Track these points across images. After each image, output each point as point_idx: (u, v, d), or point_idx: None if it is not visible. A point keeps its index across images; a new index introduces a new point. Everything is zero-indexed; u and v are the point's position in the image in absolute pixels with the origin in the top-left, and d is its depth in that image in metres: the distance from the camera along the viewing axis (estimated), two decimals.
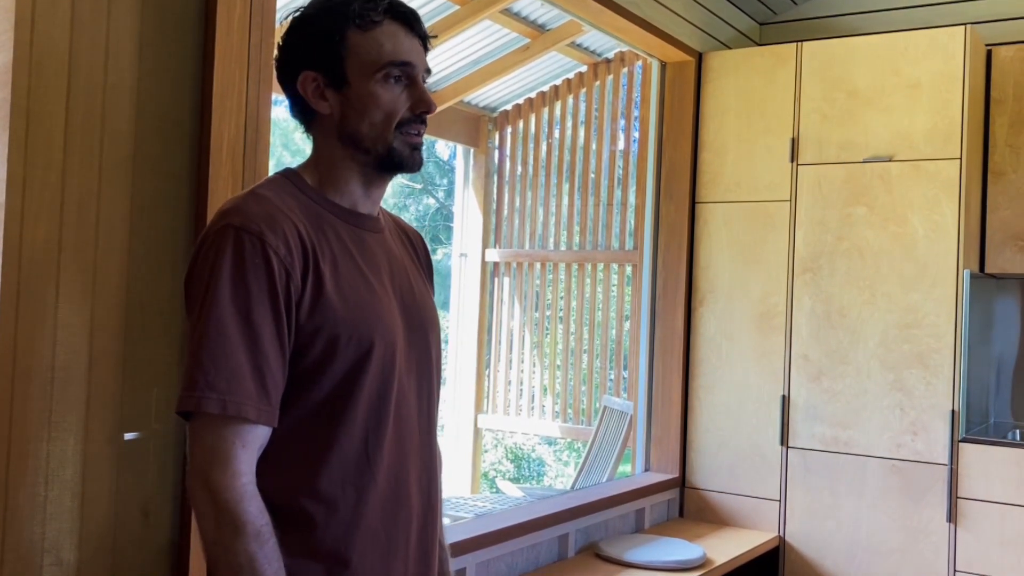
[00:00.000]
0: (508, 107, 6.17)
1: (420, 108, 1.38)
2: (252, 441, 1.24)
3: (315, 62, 1.37)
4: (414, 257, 1.54)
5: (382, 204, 1.54)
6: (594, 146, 5.81)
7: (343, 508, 1.31)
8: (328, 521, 1.30)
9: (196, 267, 1.29)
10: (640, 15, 3.31)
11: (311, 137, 1.43)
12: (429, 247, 1.65)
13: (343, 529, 1.30)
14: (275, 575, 1.22)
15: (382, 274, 1.40)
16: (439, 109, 5.71)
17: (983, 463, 3.14)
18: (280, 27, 1.49)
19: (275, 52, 1.42)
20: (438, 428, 1.51)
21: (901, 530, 3.24)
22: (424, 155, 1.42)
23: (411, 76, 1.38)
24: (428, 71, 1.43)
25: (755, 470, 3.50)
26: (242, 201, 1.32)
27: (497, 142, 6.21)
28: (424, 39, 1.41)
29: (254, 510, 1.22)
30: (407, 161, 1.39)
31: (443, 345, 1.58)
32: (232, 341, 1.23)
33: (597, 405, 5.65)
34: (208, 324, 1.23)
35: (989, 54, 3.48)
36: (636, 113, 5.73)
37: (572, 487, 5.06)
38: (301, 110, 1.41)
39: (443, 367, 1.68)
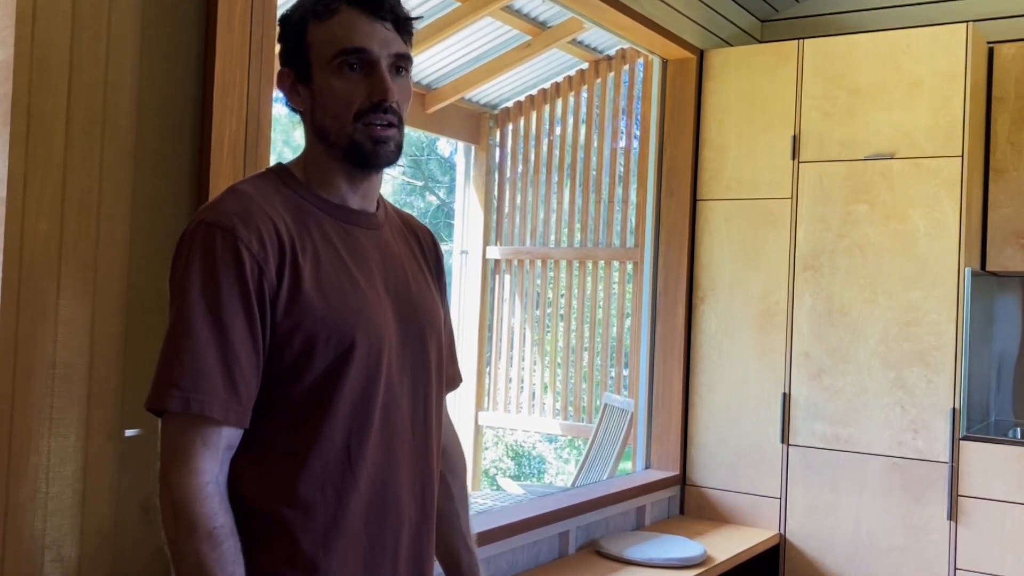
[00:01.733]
0: (509, 104, 6.16)
1: (377, 96, 1.30)
2: (216, 440, 1.21)
3: (288, 58, 1.36)
4: (419, 255, 1.50)
5: (391, 201, 1.51)
6: (595, 143, 5.81)
7: (322, 513, 1.27)
8: (307, 526, 1.26)
9: (173, 266, 1.28)
10: (641, 12, 3.30)
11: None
12: (440, 245, 1.61)
13: (322, 535, 1.27)
14: None
15: (372, 272, 1.36)
16: (440, 106, 5.71)
17: (984, 461, 3.14)
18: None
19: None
20: (439, 432, 1.45)
21: (902, 528, 3.24)
22: (397, 148, 1.33)
23: (369, 63, 1.31)
24: (401, 56, 1.34)
25: (756, 468, 3.50)
26: (220, 198, 1.30)
27: (498, 139, 6.21)
28: (396, 22, 1.34)
29: (207, 511, 1.19)
30: (370, 156, 1.32)
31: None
32: (200, 338, 1.20)
33: (598, 403, 5.65)
34: (177, 321, 1.22)
35: (991, 52, 3.47)
36: (637, 110, 5.73)
37: (573, 485, 5.06)
38: (289, 107, 1.39)
39: (458, 367, 1.62)
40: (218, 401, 1.20)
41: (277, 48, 1.42)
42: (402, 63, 1.35)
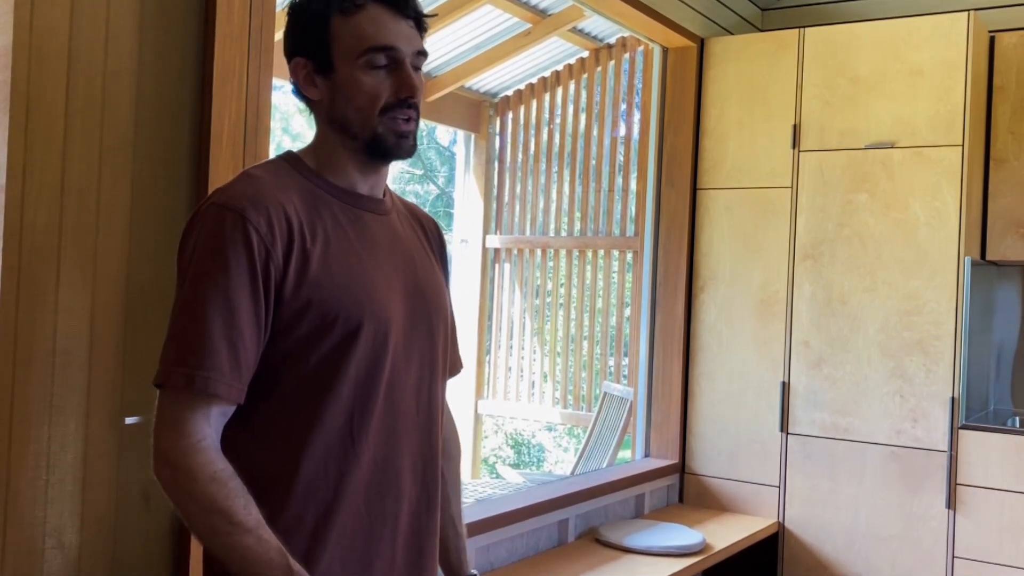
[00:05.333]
0: (509, 93, 6.15)
1: (404, 93, 1.35)
2: (208, 411, 1.23)
3: (304, 48, 1.37)
4: (425, 243, 1.52)
5: (393, 190, 1.53)
6: (595, 132, 5.80)
7: (324, 488, 1.30)
8: (309, 500, 1.30)
9: (182, 245, 1.30)
10: (642, 0, 3.29)
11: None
12: (444, 234, 1.63)
13: (323, 509, 1.30)
14: (243, 508, 1.21)
15: (381, 256, 1.39)
16: (439, 95, 5.69)
17: (982, 450, 3.14)
18: (280, 12, 1.48)
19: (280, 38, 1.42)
20: (442, 415, 1.49)
21: (900, 517, 3.25)
22: (415, 142, 1.39)
23: (396, 60, 1.35)
24: (422, 53, 1.40)
25: (755, 456, 3.50)
26: (233, 181, 1.33)
27: (498, 128, 6.20)
28: (418, 19, 1.39)
29: (203, 460, 1.21)
30: (392, 149, 1.37)
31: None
32: (208, 317, 1.23)
33: (597, 391, 5.65)
34: (186, 299, 1.25)
35: (992, 41, 3.46)
36: (637, 99, 5.72)
37: (572, 473, 5.07)
38: (299, 96, 1.41)
39: (459, 353, 1.65)
40: (222, 379, 1.23)
41: (278, 35, 1.42)
42: (420, 60, 1.40)
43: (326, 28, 1.35)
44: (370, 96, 1.34)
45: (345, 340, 1.30)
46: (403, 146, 1.37)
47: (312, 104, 1.40)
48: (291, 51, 1.38)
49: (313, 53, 1.36)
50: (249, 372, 1.27)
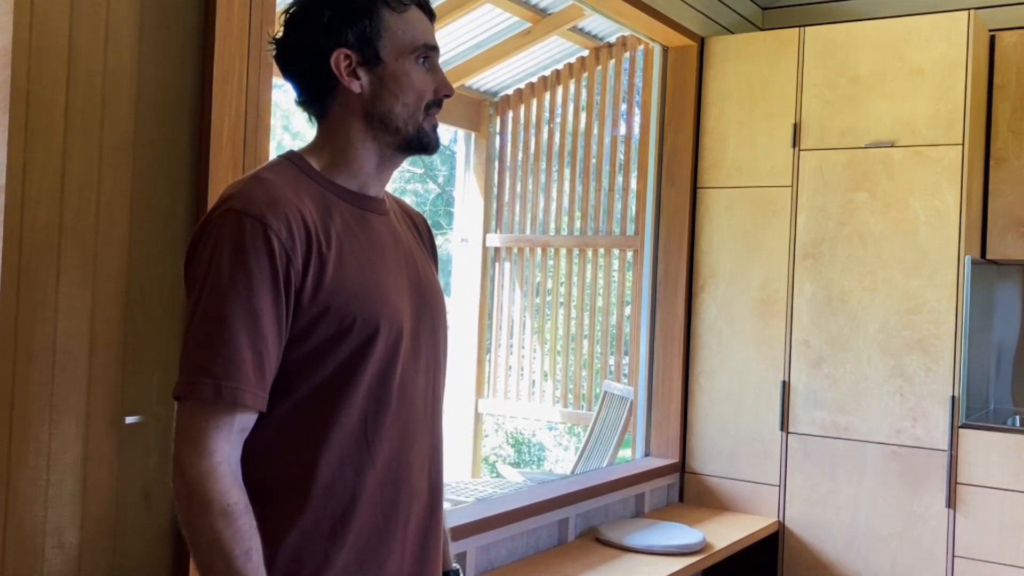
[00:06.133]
0: (509, 92, 6.14)
1: (444, 91, 1.41)
2: (231, 423, 1.23)
3: (347, 40, 1.35)
4: (419, 239, 1.54)
5: (391, 189, 1.54)
6: (595, 131, 5.79)
7: (341, 489, 1.31)
8: (326, 502, 1.30)
9: (197, 251, 1.28)
10: None
11: (319, 119, 1.41)
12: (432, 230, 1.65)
13: (340, 509, 1.31)
14: (244, 554, 1.20)
15: (388, 258, 1.39)
16: None
17: (982, 449, 3.14)
18: (281, 9, 1.47)
19: (279, 32, 1.40)
20: (443, 411, 1.51)
21: (900, 516, 3.25)
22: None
23: (434, 61, 1.42)
24: None
25: (755, 455, 3.50)
26: (245, 185, 1.31)
27: (498, 127, 6.19)
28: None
29: (221, 488, 1.20)
30: (434, 142, 1.42)
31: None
32: (232, 326, 1.22)
33: (597, 390, 5.65)
34: (208, 308, 1.23)
35: (992, 39, 3.46)
36: (638, 98, 5.71)
37: (572, 472, 5.07)
38: (317, 89, 1.38)
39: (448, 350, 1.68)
40: (249, 388, 1.23)
41: (284, 31, 1.39)
42: None
43: (378, 21, 1.36)
44: (419, 92, 1.39)
45: (362, 345, 1.30)
46: (438, 140, 1.43)
47: (338, 98, 1.37)
48: (330, 42, 1.35)
49: (358, 45, 1.36)
50: (272, 379, 1.27)
